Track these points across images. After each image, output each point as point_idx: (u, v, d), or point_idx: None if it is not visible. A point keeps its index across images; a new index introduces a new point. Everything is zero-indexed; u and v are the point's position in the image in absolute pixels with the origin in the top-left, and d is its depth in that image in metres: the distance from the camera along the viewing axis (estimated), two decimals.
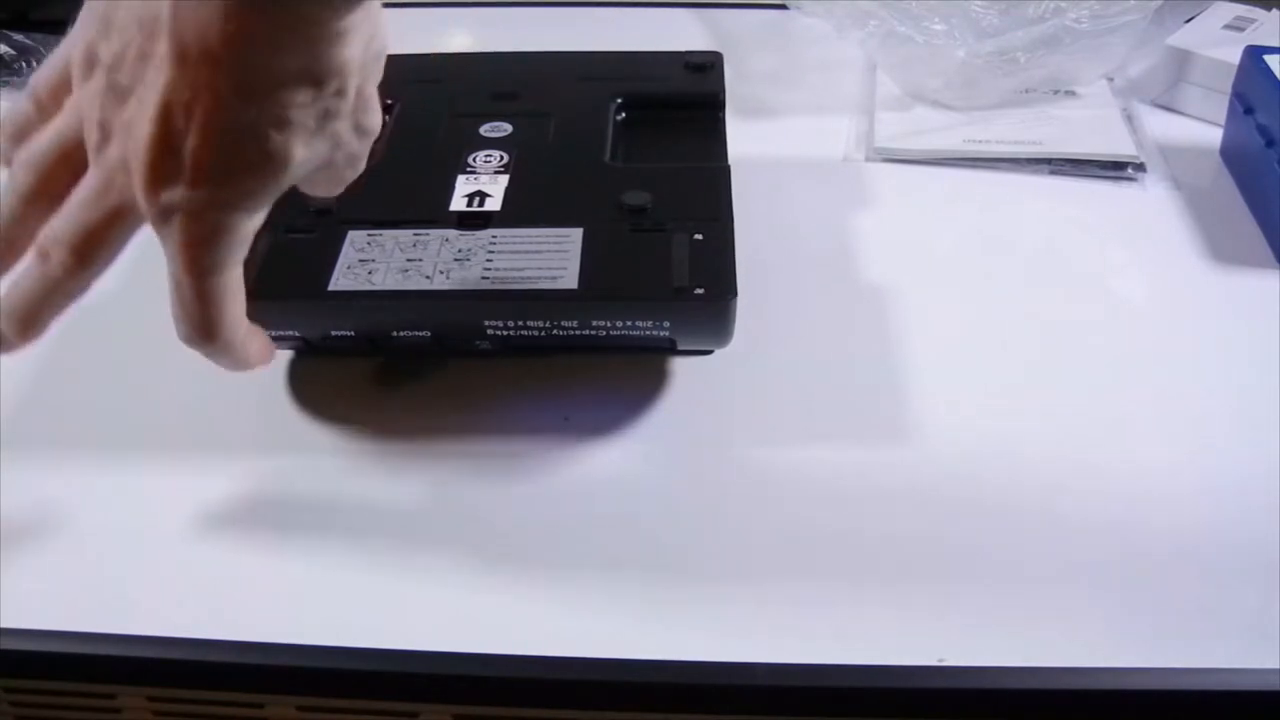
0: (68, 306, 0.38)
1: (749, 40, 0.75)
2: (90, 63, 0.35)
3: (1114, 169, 0.62)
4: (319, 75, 0.35)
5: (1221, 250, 0.56)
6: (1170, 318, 0.53)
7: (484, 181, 0.50)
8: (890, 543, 0.42)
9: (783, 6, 0.76)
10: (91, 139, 0.36)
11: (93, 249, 0.36)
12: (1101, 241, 0.58)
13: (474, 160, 0.52)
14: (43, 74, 0.39)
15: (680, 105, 0.57)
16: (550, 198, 0.49)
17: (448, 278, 0.45)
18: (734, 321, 0.45)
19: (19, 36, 0.70)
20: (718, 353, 0.48)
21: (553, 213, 0.48)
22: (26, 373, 0.49)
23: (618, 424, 0.46)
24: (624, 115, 0.57)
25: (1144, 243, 0.57)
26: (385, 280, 0.45)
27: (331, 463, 0.45)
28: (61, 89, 0.38)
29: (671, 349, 0.47)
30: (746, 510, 0.43)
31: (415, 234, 0.47)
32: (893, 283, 0.54)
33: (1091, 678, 0.37)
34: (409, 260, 0.46)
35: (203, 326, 0.37)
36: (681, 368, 0.49)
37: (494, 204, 0.49)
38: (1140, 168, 0.62)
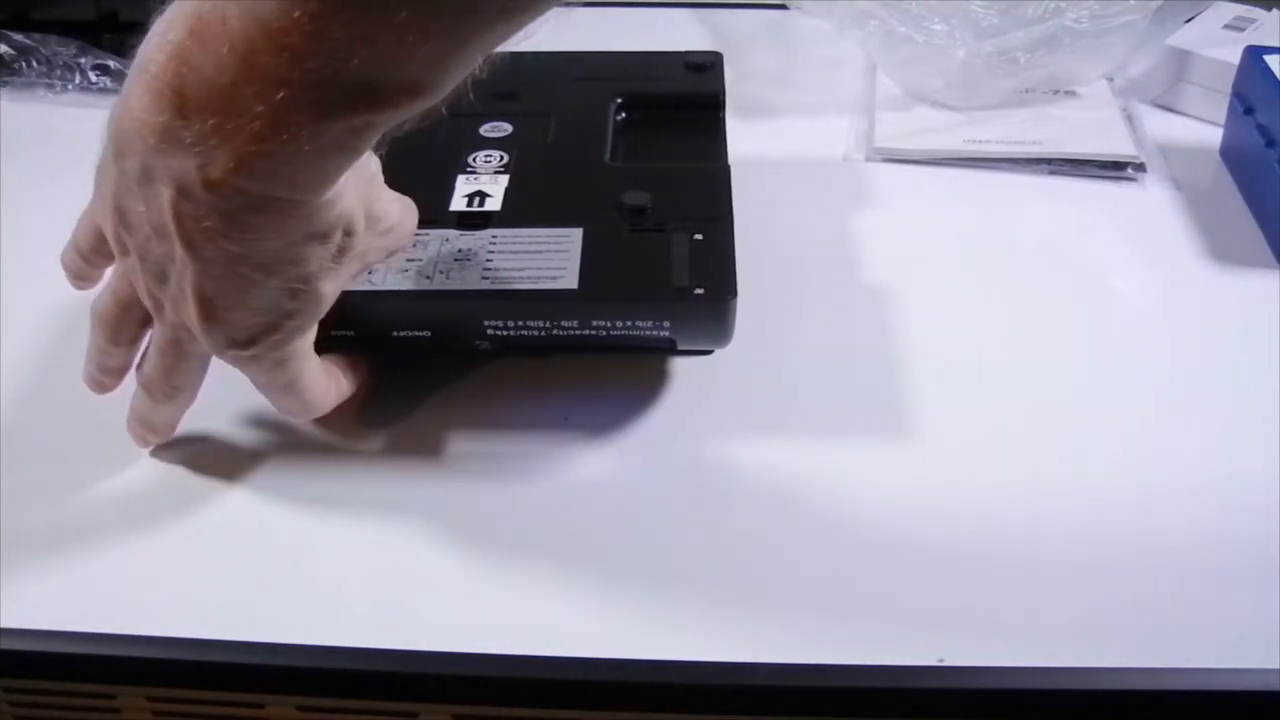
0: (183, 414, 0.44)
1: (749, 40, 0.75)
2: (122, 246, 0.39)
3: (1114, 169, 0.62)
4: (324, 233, 0.38)
5: (1221, 250, 0.56)
6: (1170, 318, 0.53)
7: (484, 181, 0.50)
8: (890, 542, 0.42)
9: (783, 6, 0.76)
10: (147, 304, 0.41)
11: (180, 381, 0.43)
12: (1101, 241, 0.58)
13: (474, 160, 0.52)
14: (80, 234, 0.45)
15: (680, 105, 0.57)
16: (550, 198, 0.49)
17: (447, 278, 0.45)
18: (734, 321, 0.45)
19: (19, 36, 0.70)
20: (718, 353, 0.48)
21: (553, 213, 0.48)
22: (27, 373, 0.49)
23: (618, 424, 0.46)
24: (624, 115, 0.57)
25: (1144, 243, 0.57)
26: (385, 280, 0.45)
27: (331, 463, 0.45)
28: (100, 245, 0.43)
29: (671, 349, 0.47)
30: (746, 510, 0.43)
31: (415, 234, 0.47)
32: (892, 283, 0.54)
33: (1091, 678, 0.37)
34: (409, 260, 0.46)
35: (299, 414, 0.44)
36: (681, 368, 0.49)
37: (494, 204, 0.49)
38: (1140, 168, 0.62)
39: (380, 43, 0.31)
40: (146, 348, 0.43)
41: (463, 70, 0.34)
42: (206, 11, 0.32)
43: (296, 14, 0.31)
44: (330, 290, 0.40)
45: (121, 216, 0.38)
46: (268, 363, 0.40)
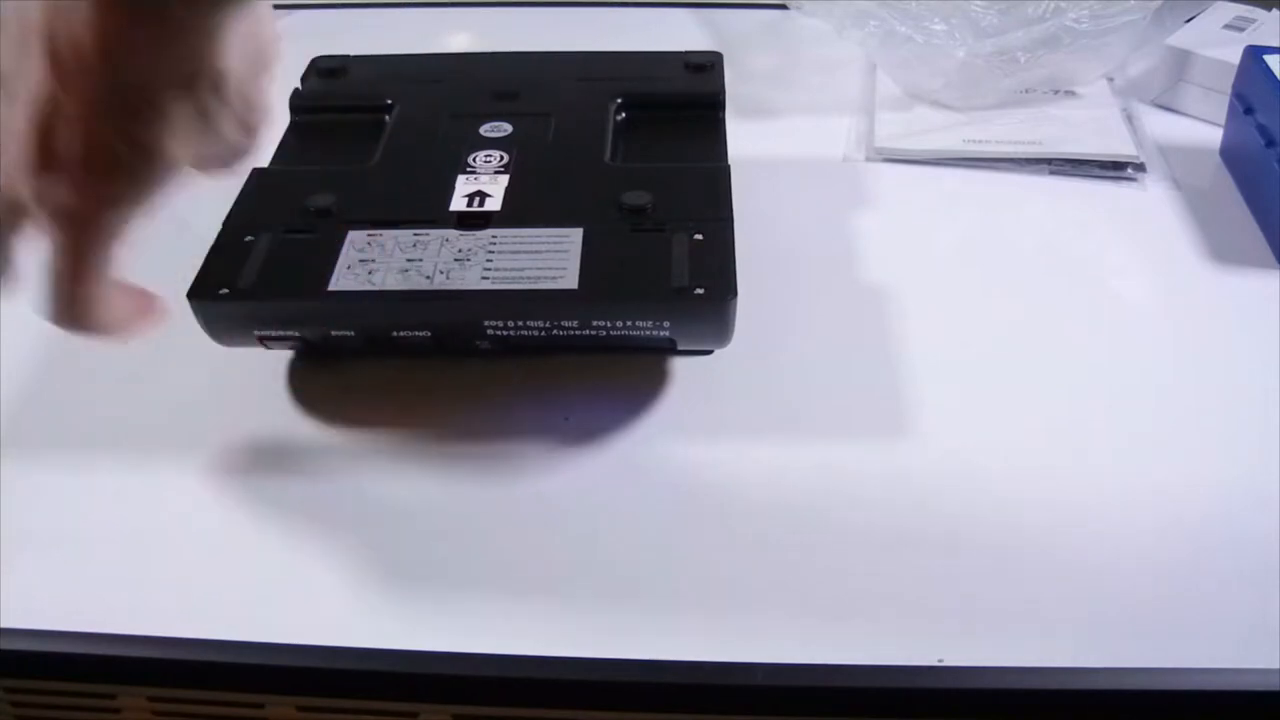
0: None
1: (749, 40, 0.75)
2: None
3: (1114, 169, 0.62)
4: (189, 77, 0.35)
5: (1221, 250, 0.56)
6: (1170, 318, 0.53)
7: (484, 181, 0.50)
8: (890, 542, 0.42)
9: (783, 6, 0.76)
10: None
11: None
12: (1101, 241, 0.58)
13: (474, 160, 0.52)
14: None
15: (680, 105, 0.57)
16: (550, 198, 0.49)
17: (448, 278, 0.45)
18: (734, 322, 0.45)
19: None
20: (718, 353, 0.48)
21: (553, 213, 0.48)
22: (27, 373, 0.49)
23: (618, 424, 0.46)
24: (624, 115, 0.57)
25: (1144, 243, 0.57)
26: (385, 280, 0.45)
27: (331, 463, 0.45)
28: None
29: (671, 349, 0.47)
30: (746, 510, 0.43)
31: (415, 234, 0.47)
32: (892, 283, 0.54)
33: (1091, 678, 0.37)
34: (409, 260, 0.46)
35: (80, 324, 0.37)
36: (681, 368, 0.49)
37: (494, 204, 0.49)
38: (1140, 168, 0.62)
39: None
40: None
41: None
42: None
43: None
44: (176, 158, 0.35)
45: None
46: (87, 226, 0.35)
